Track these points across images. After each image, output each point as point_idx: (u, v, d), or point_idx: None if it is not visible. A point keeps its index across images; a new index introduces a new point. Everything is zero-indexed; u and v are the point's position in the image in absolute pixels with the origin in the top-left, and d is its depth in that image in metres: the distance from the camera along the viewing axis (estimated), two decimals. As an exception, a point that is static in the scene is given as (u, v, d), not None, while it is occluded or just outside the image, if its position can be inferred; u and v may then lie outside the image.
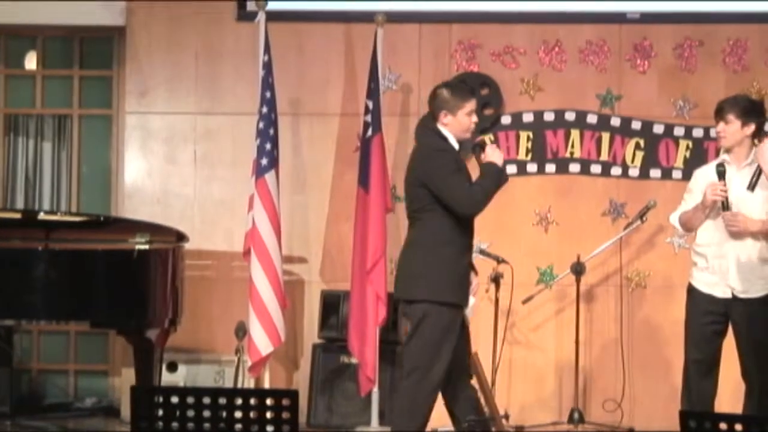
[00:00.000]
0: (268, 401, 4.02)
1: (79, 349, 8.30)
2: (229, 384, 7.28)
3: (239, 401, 4.02)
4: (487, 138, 6.06)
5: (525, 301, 7.65)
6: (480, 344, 6.38)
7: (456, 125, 5.80)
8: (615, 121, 7.97)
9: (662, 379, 7.70)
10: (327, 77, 8.05)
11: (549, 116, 8.01)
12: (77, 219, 7.51)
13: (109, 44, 8.33)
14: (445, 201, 5.71)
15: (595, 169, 7.98)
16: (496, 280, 7.48)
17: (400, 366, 7.54)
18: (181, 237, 6.98)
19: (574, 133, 7.99)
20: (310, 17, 8.04)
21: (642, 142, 7.97)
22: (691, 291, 6.12)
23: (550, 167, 7.99)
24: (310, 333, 7.88)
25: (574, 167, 7.99)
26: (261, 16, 7.49)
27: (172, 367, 7.57)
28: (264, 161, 7.32)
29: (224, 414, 4.02)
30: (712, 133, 6.80)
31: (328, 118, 8.04)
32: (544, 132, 8.01)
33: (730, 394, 6.32)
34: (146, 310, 6.63)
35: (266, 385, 7.44)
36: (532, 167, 7.96)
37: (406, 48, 8.01)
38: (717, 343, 6.05)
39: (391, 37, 7.75)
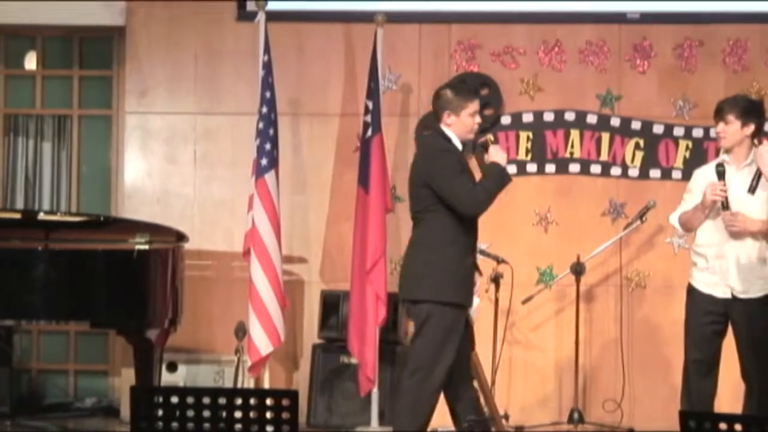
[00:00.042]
0: (268, 401, 4.02)
1: (79, 349, 8.30)
2: (228, 384, 7.28)
3: (239, 401, 4.02)
4: (490, 136, 6.04)
5: (525, 301, 7.65)
6: (480, 344, 6.37)
7: (459, 126, 5.82)
8: (615, 122, 7.97)
9: (662, 379, 7.70)
10: (327, 77, 8.05)
11: (549, 116, 8.01)
12: (77, 219, 7.51)
13: (108, 44, 8.33)
14: (448, 201, 5.71)
15: (595, 169, 7.98)
16: (495, 280, 7.48)
17: (400, 366, 7.57)
18: (180, 237, 6.98)
19: (574, 134, 7.99)
20: (310, 17, 8.04)
21: (642, 143, 7.97)
22: (691, 291, 6.12)
23: (550, 167, 8.00)
24: (310, 333, 7.88)
25: (574, 167, 7.99)
26: (261, 16, 7.49)
27: (172, 367, 7.57)
28: (264, 161, 7.32)
29: (224, 414, 4.02)
30: (712, 133, 6.79)
31: (327, 118, 8.04)
32: (543, 132, 8.01)
33: (729, 394, 6.32)
34: (146, 310, 6.63)
35: (266, 385, 7.44)
36: (531, 167, 7.96)
37: (405, 48, 8.02)
38: (717, 344, 6.05)
39: (391, 37, 7.75)
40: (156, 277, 6.69)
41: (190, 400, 4.03)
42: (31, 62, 8.44)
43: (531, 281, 7.84)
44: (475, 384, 5.99)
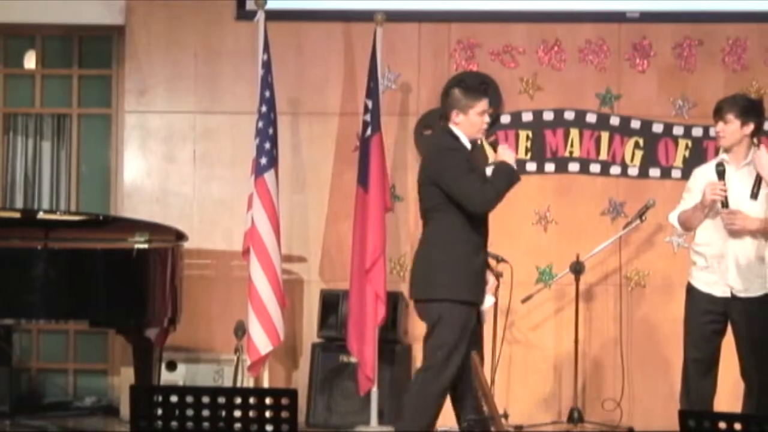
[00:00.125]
0: (267, 400, 4.02)
1: (79, 348, 8.30)
2: (228, 383, 7.28)
3: (238, 400, 4.02)
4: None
5: (524, 301, 7.65)
6: (479, 343, 6.39)
7: (467, 125, 5.84)
8: (614, 121, 7.97)
9: (661, 379, 7.70)
10: (326, 76, 8.04)
11: (548, 115, 8.01)
12: (76, 218, 7.51)
13: (108, 43, 8.33)
14: (456, 199, 5.73)
15: (595, 168, 7.98)
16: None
17: (399, 365, 7.58)
18: (180, 236, 6.98)
19: (574, 133, 7.99)
20: (310, 16, 8.04)
21: (641, 142, 7.97)
22: (691, 290, 6.12)
23: (550, 166, 7.99)
24: (310, 332, 7.88)
25: (574, 166, 7.99)
26: (260, 15, 7.49)
27: (172, 366, 7.57)
28: (263, 160, 7.32)
29: (223, 413, 4.01)
30: (712, 132, 6.80)
31: (327, 117, 8.03)
32: (543, 131, 8.01)
33: (729, 393, 6.31)
34: (145, 309, 6.63)
35: (265, 384, 7.44)
36: (531, 166, 7.96)
37: (405, 47, 8.01)
38: (716, 343, 6.05)
39: (391, 36, 7.75)
40: (155, 276, 6.69)
41: (189, 399, 4.02)
42: (30, 61, 8.43)
43: (530, 280, 7.84)
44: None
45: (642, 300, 7.91)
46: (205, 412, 4.02)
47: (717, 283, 6.00)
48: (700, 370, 6.05)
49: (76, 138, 8.35)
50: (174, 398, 4.04)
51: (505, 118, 7.99)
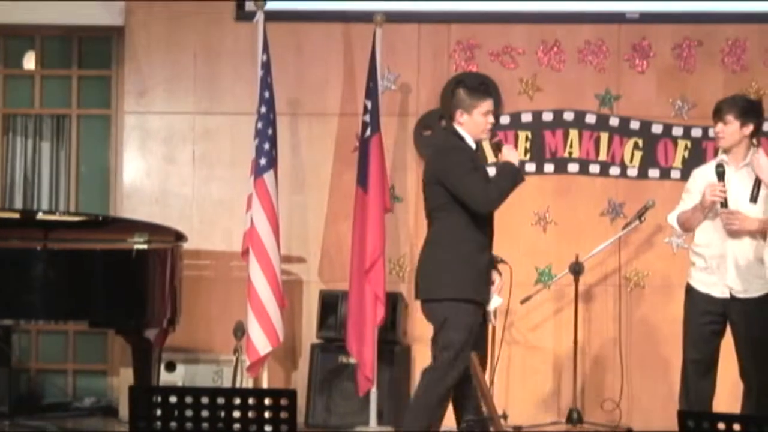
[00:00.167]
0: (267, 401, 4.02)
1: (78, 348, 8.30)
2: (227, 384, 7.28)
3: (237, 401, 4.02)
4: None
5: (523, 301, 7.65)
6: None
7: (471, 125, 5.85)
8: (614, 121, 7.97)
9: (661, 379, 7.70)
10: (326, 77, 8.05)
11: (548, 116, 8.01)
12: (76, 219, 7.50)
13: (107, 44, 8.33)
14: (460, 198, 5.74)
15: (594, 168, 7.98)
16: (494, 279, 7.48)
17: (398, 365, 7.58)
18: (179, 237, 6.98)
19: (573, 133, 7.99)
20: (309, 17, 8.04)
21: (640, 142, 7.97)
22: (690, 291, 6.12)
23: (549, 167, 7.99)
24: (309, 333, 7.88)
25: (573, 167, 7.99)
26: (260, 16, 7.49)
27: (171, 367, 7.57)
28: (263, 161, 7.32)
29: (222, 414, 4.02)
30: (711, 133, 6.80)
31: (326, 118, 8.03)
32: (542, 132, 8.01)
33: (728, 393, 6.31)
34: (145, 310, 6.63)
35: (264, 384, 7.44)
36: (530, 167, 7.95)
37: (404, 48, 8.01)
38: (715, 343, 6.05)
39: (390, 37, 7.75)
40: (155, 276, 6.69)
41: (188, 399, 4.03)
42: (29, 62, 8.43)
43: (530, 281, 7.84)
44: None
45: (641, 300, 7.91)
46: (204, 413, 4.02)
47: (716, 284, 6.00)
48: (699, 370, 6.05)
49: (75, 139, 8.35)
50: (173, 399, 4.04)
51: (504, 119, 7.99)
